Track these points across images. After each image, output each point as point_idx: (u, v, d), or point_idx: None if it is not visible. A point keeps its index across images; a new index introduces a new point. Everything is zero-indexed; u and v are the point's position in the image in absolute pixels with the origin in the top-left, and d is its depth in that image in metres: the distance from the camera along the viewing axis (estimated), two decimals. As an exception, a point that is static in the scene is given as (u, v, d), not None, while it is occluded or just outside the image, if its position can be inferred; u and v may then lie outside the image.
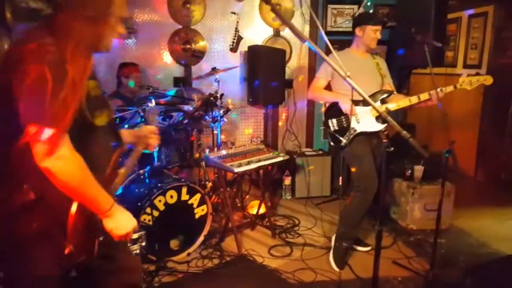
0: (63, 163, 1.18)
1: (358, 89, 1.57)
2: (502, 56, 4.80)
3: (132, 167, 1.71)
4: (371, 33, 2.93)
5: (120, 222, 1.37)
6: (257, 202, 3.81)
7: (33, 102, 1.16)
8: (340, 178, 4.22)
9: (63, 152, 1.18)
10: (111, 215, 1.34)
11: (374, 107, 1.59)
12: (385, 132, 1.71)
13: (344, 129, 2.90)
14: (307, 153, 4.50)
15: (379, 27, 2.94)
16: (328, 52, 1.89)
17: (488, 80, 2.82)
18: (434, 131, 5.24)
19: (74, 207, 1.30)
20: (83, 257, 1.40)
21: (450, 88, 2.78)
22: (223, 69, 3.55)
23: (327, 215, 3.96)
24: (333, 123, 2.95)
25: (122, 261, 1.67)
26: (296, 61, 4.64)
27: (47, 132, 1.14)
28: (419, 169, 3.70)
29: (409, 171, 3.75)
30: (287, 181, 4.41)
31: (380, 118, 2.84)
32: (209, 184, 3.75)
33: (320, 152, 4.54)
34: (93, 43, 1.32)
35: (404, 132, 1.56)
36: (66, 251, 1.32)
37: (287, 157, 3.36)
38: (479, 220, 3.91)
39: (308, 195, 4.39)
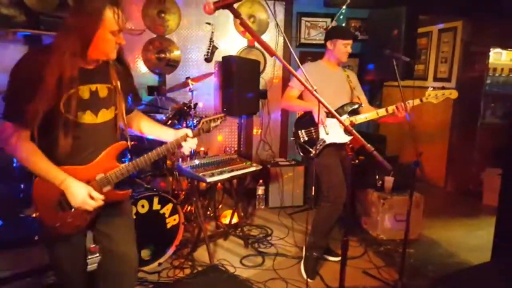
0: (12, 149, 1.58)
1: (324, 102, 1.59)
2: (470, 70, 4.98)
3: (150, 161, 1.82)
4: (342, 47, 2.99)
5: (70, 194, 1.62)
6: (230, 211, 3.80)
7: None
8: (313, 188, 4.27)
9: (13, 141, 1.56)
10: (65, 188, 1.61)
11: (338, 120, 1.62)
12: (350, 145, 1.73)
13: (313, 140, 2.93)
14: (280, 163, 4.52)
15: (349, 42, 3.01)
16: (301, 63, 1.92)
17: (454, 94, 2.90)
18: (405, 143, 5.36)
19: (35, 180, 1.64)
20: (58, 224, 1.67)
21: (416, 102, 2.85)
22: (196, 78, 3.54)
23: (300, 225, 3.98)
24: (302, 134, 2.97)
25: (117, 245, 1.82)
26: (271, 71, 4.68)
27: (4, 125, 1.57)
28: (389, 180, 3.77)
29: (380, 182, 3.82)
30: (261, 190, 4.42)
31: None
32: (182, 194, 3.72)
33: (294, 162, 4.57)
34: (82, 52, 1.56)
35: (368, 145, 1.59)
36: (34, 215, 1.65)
37: (259, 167, 3.36)
38: (448, 230, 4.00)
39: (281, 204, 4.41)
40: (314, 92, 1.53)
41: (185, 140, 1.86)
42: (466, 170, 5.07)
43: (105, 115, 1.72)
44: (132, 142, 1.82)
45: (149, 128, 2.00)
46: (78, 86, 1.59)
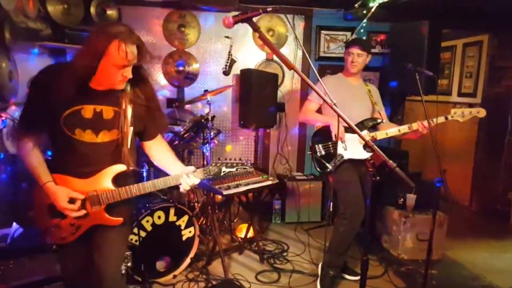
0: (16, 149, 1.86)
1: (344, 117, 1.54)
2: (497, 85, 4.82)
3: (145, 191, 1.82)
4: (347, 57, 2.96)
5: (51, 196, 1.70)
6: (245, 225, 3.74)
7: None
8: (331, 204, 4.17)
9: (19, 143, 1.74)
10: (46, 189, 1.71)
11: (360, 135, 1.56)
12: (371, 161, 1.67)
13: (330, 155, 2.87)
14: (298, 177, 4.46)
15: (353, 50, 2.92)
16: (320, 77, 1.89)
17: (481, 112, 2.78)
18: (428, 159, 5.21)
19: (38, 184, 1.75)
20: (45, 229, 1.81)
21: (441, 119, 2.75)
22: (214, 91, 3.54)
23: (317, 241, 3.89)
24: (319, 148, 2.91)
25: (99, 258, 1.82)
26: (289, 84, 4.65)
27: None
28: (411, 198, 3.65)
29: (402, 200, 3.70)
30: (277, 205, 4.35)
31: (367, 146, 2.82)
32: (198, 206, 3.69)
33: (311, 177, 4.49)
34: (87, 76, 1.63)
35: (390, 161, 1.53)
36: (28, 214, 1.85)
37: (276, 181, 3.31)
38: (473, 251, 3.84)
39: (298, 220, 4.32)
40: (334, 106, 1.48)
41: (187, 177, 1.84)
42: (493, 189, 4.87)
43: (106, 136, 1.74)
44: (132, 168, 1.81)
45: (160, 157, 1.99)
46: (83, 104, 1.67)
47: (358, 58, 2.93)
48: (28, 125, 1.72)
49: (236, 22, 1.45)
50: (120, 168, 1.77)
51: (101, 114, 1.71)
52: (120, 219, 1.81)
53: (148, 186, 1.80)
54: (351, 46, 2.95)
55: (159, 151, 1.99)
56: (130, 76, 1.66)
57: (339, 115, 1.50)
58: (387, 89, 4.49)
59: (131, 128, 1.78)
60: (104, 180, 1.76)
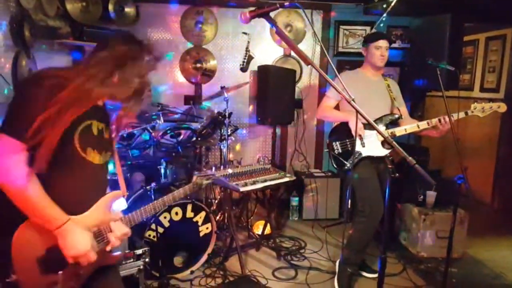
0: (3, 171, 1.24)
1: (363, 113, 1.52)
2: (520, 80, 4.69)
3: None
4: (375, 51, 2.89)
5: (71, 240, 1.33)
6: (262, 222, 3.74)
7: None
8: (349, 201, 4.14)
9: (8, 160, 1.24)
10: (64, 231, 1.32)
11: (379, 132, 1.54)
12: (390, 158, 1.65)
13: (348, 152, 2.83)
14: (315, 174, 4.43)
15: (382, 44, 2.87)
16: (339, 73, 1.87)
17: (502, 107, 2.72)
18: (448, 156, 5.11)
19: (18, 230, 1.30)
20: None
21: (461, 115, 2.70)
22: (231, 88, 3.54)
23: (334, 238, 3.86)
24: (337, 146, 2.88)
25: None
26: (307, 80, 4.62)
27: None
28: (431, 195, 3.59)
29: (421, 197, 3.64)
30: (294, 202, 4.34)
31: (385, 142, 2.78)
32: (215, 202, 3.72)
33: (329, 173, 4.46)
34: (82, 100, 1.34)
35: (410, 158, 1.50)
36: (8, 279, 1.31)
37: (293, 177, 3.30)
38: (495, 249, 3.75)
39: (315, 217, 4.30)
40: (352, 102, 1.47)
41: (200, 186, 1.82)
42: (515, 186, 4.75)
43: (104, 158, 1.53)
44: (126, 193, 1.65)
45: None
46: (91, 120, 1.43)
47: (386, 51, 2.90)
48: (26, 138, 1.24)
49: (252, 17, 1.43)
50: (118, 194, 1.56)
51: (102, 132, 1.50)
52: (119, 253, 1.58)
53: (149, 208, 1.65)
54: (379, 39, 2.89)
55: None
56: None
57: (357, 111, 1.48)
58: (408, 85, 4.42)
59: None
60: (105, 212, 1.50)
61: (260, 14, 1.43)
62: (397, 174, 1.69)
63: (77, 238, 1.33)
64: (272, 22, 1.45)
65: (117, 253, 1.58)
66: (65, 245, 1.33)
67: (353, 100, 1.47)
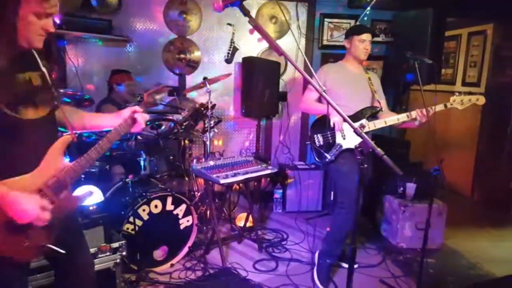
0: None
1: (334, 105, 1.53)
2: (500, 75, 4.76)
3: (103, 150, 1.60)
4: (359, 44, 2.90)
5: (15, 210, 1.33)
6: (245, 214, 3.75)
7: None
8: (332, 193, 4.17)
9: None
10: (4, 202, 1.31)
11: (348, 122, 1.55)
12: (359, 149, 1.67)
13: (329, 144, 2.85)
14: (299, 166, 4.45)
15: (365, 37, 2.89)
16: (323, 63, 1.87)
17: (481, 100, 2.77)
18: (430, 149, 5.17)
19: None
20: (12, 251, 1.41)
21: (440, 107, 2.74)
22: (213, 79, 3.52)
23: (317, 230, 3.89)
24: (318, 138, 2.89)
25: (75, 257, 1.72)
26: (291, 73, 4.62)
27: None
28: (411, 187, 3.64)
29: (401, 189, 3.69)
30: (278, 194, 4.36)
31: (367, 134, 2.79)
32: (198, 195, 3.71)
33: (313, 166, 4.48)
34: (4, 38, 1.31)
35: (378, 149, 1.53)
36: None
37: (275, 170, 3.31)
38: (473, 240, 3.83)
39: (299, 209, 4.33)
40: (323, 93, 1.47)
41: (133, 118, 1.70)
42: (494, 179, 4.83)
43: (42, 108, 1.48)
44: (75, 133, 1.56)
45: (89, 119, 1.76)
46: (15, 73, 1.38)
47: (370, 45, 2.92)
48: None
49: (226, 6, 1.41)
50: (68, 139, 1.51)
51: (30, 81, 1.43)
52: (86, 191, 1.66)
53: (104, 143, 1.58)
54: (363, 32, 2.90)
55: (80, 114, 1.76)
56: (53, 29, 1.39)
57: (329, 103, 1.49)
58: (391, 78, 4.45)
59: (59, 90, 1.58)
60: (58, 160, 1.48)
61: (233, 2, 1.41)
62: (365, 165, 1.71)
63: (21, 206, 1.32)
64: (245, 11, 1.43)
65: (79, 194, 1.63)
66: (12, 215, 1.33)
67: (324, 91, 1.47)
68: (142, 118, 1.72)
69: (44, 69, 1.48)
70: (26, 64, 1.43)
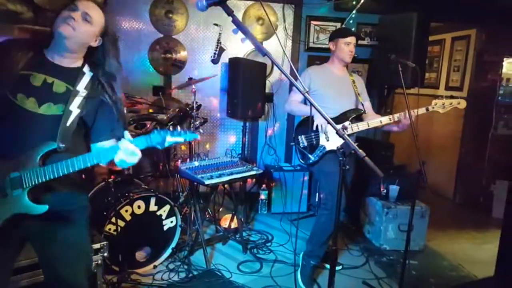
0: None
1: (317, 106, 1.53)
2: (483, 79, 4.85)
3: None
4: (344, 47, 2.92)
5: None
6: (230, 215, 3.74)
7: None
8: (317, 194, 4.19)
9: None
10: None
11: (330, 124, 1.56)
12: (341, 150, 1.68)
13: (313, 146, 2.85)
14: (285, 168, 4.45)
15: (351, 40, 2.91)
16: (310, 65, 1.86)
17: (462, 103, 2.80)
18: (414, 152, 5.22)
19: None
20: None
21: (421, 111, 2.76)
22: (198, 79, 3.50)
23: (302, 231, 3.89)
24: (302, 140, 2.89)
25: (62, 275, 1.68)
26: (278, 75, 4.63)
27: None
28: (394, 189, 3.68)
29: (385, 191, 3.73)
30: (263, 195, 4.35)
31: (350, 136, 2.81)
32: (184, 195, 3.68)
33: (298, 167, 4.49)
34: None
35: (360, 151, 1.53)
36: None
37: (260, 171, 3.30)
38: (455, 242, 3.89)
39: (284, 210, 4.33)
40: (306, 94, 1.47)
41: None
42: (476, 182, 4.92)
43: (49, 109, 1.55)
44: (63, 145, 1.53)
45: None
46: (33, 72, 1.55)
47: (354, 48, 2.95)
48: None
49: (209, 5, 1.41)
50: (47, 145, 1.52)
51: (51, 86, 1.57)
52: (45, 206, 1.51)
53: (78, 161, 1.50)
54: (348, 35, 2.92)
55: None
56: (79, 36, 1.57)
57: (312, 105, 1.49)
58: (376, 82, 4.49)
59: (78, 110, 1.59)
60: (31, 160, 1.50)
61: (216, 2, 1.40)
62: (347, 167, 1.72)
63: None
64: (229, 11, 1.43)
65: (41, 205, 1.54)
66: None
67: (307, 93, 1.47)
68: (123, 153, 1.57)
69: (78, 88, 1.61)
70: (58, 73, 1.60)
